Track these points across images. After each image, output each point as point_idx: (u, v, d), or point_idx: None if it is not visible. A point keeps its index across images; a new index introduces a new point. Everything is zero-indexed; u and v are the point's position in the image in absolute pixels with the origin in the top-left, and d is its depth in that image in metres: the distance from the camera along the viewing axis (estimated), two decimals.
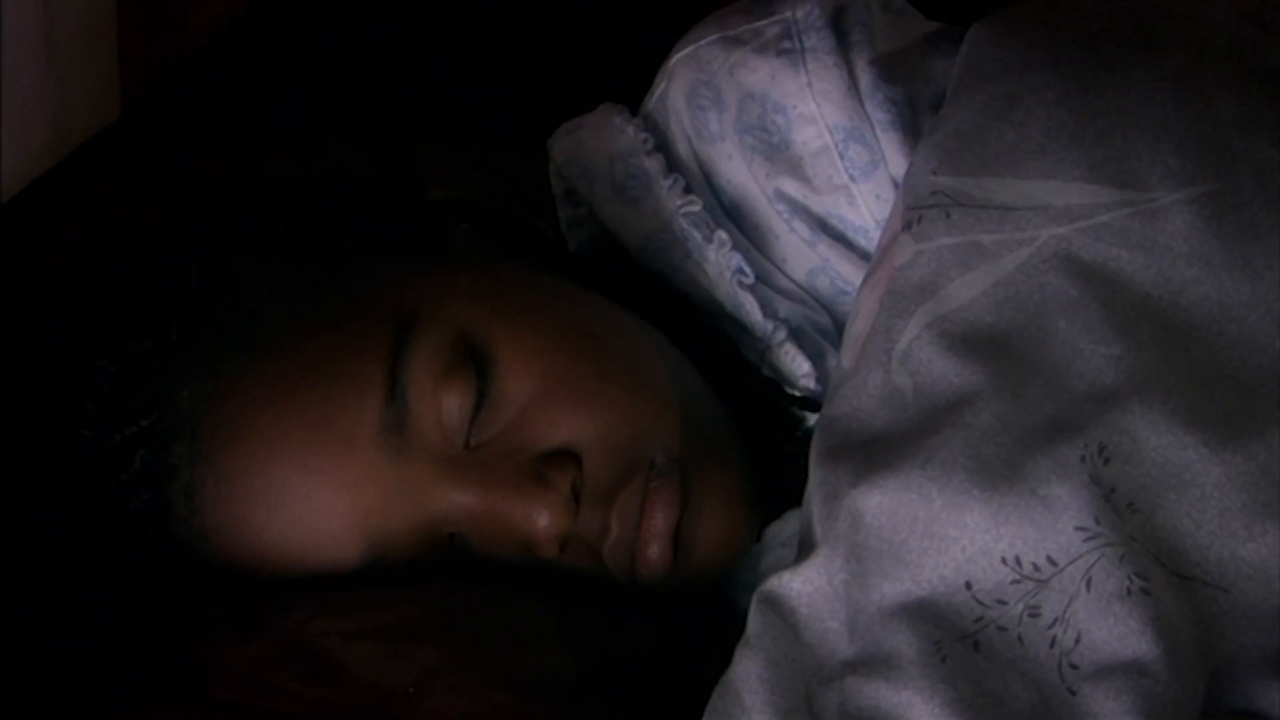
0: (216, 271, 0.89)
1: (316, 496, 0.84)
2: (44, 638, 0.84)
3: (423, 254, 0.92)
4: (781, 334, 0.94)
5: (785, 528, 0.90)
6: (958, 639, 0.73)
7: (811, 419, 0.95)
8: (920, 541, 0.75)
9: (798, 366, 0.94)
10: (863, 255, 0.94)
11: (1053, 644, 0.72)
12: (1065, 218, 0.80)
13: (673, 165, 0.98)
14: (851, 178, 0.93)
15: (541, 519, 0.85)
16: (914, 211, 0.84)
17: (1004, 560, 0.73)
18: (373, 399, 0.85)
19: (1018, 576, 0.73)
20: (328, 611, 0.83)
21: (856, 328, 0.85)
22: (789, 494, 0.90)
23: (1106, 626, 0.71)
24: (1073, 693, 0.71)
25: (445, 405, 0.86)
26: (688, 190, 0.97)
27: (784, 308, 0.96)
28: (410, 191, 1.00)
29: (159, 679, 0.82)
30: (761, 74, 0.94)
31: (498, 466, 0.86)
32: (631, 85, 1.03)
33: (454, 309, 0.88)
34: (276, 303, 0.87)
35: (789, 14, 0.95)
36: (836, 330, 0.97)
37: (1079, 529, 0.73)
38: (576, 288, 0.95)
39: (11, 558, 0.87)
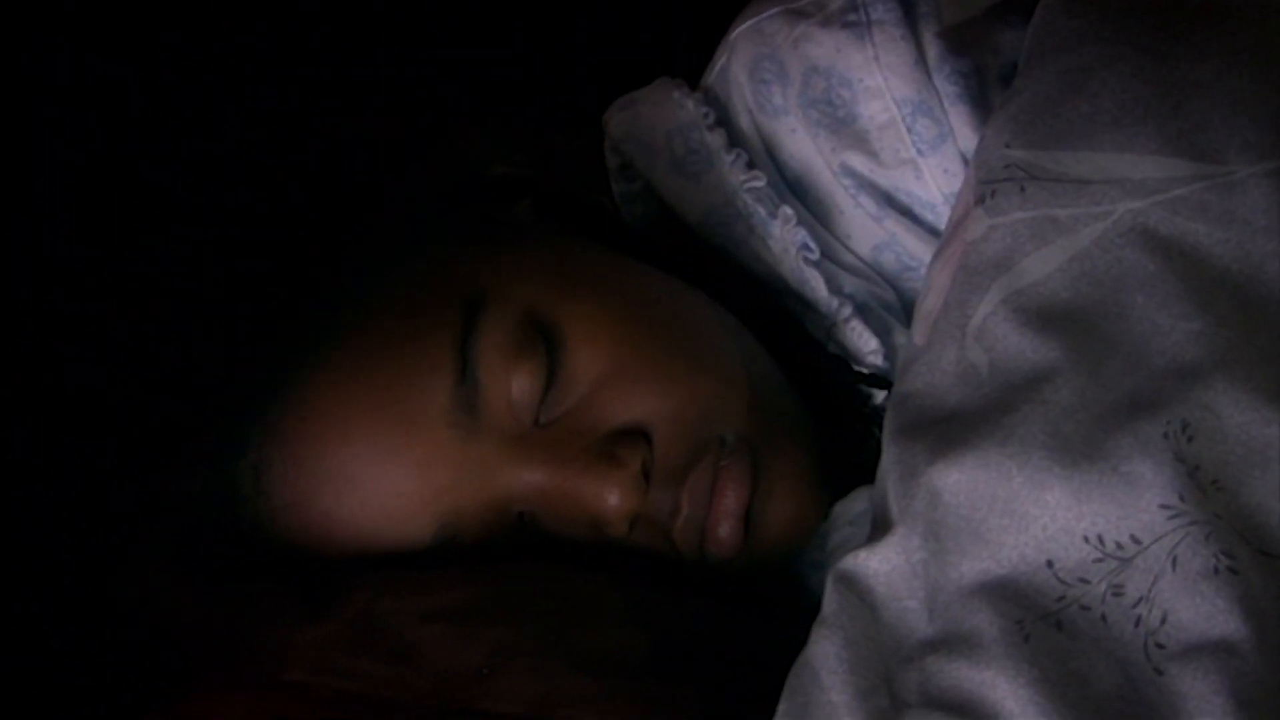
0: (287, 259, 0.88)
1: (387, 476, 0.84)
2: (111, 620, 0.84)
3: (488, 232, 0.92)
4: (847, 310, 0.94)
5: (853, 506, 0.89)
6: (1040, 618, 0.72)
7: (879, 396, 0.94)
8: (1000, 520, 0.74)
9: (865, 343, 0.93)
10: (929, 230, 0.94)
11: (1137, 623, 0.71)
12: (1141, 191, 0.79)
13: (734, 140, 0.97)
14: (919, 151, 0.92)
15: (612, 497, 0.84)
16: (987, 185, 0.83)
17: (1086, 539, 0.73)
18: (443, 379, 0.84)
19: (1100, 555, 0.72)
20: (398, 592, 0.83)
21: (928, 304, 0.84)
22: (856, 471, 0.89)
23: (1193, 605, 0.70)
24: (1159, 672, 0.70)
25: (515, 384, 0.85)
26: (750, 165, 0.96)
27: (849, 284, 0.95)
28: (471, 169, 0.99)
29: (229, 662, 0.81)
30: (826, 47, 0.93)
31: (568, 445, 0.85)
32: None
33: (521, 287, 0.87)
34: (345, 285, 0.87)
35: None
36: (902, 306, 0.96)
37: (1163, 506, 0.72)
38: (641, 264, 0.94)
39: (77, 536, 0.87)
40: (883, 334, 0.94)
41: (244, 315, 0.86)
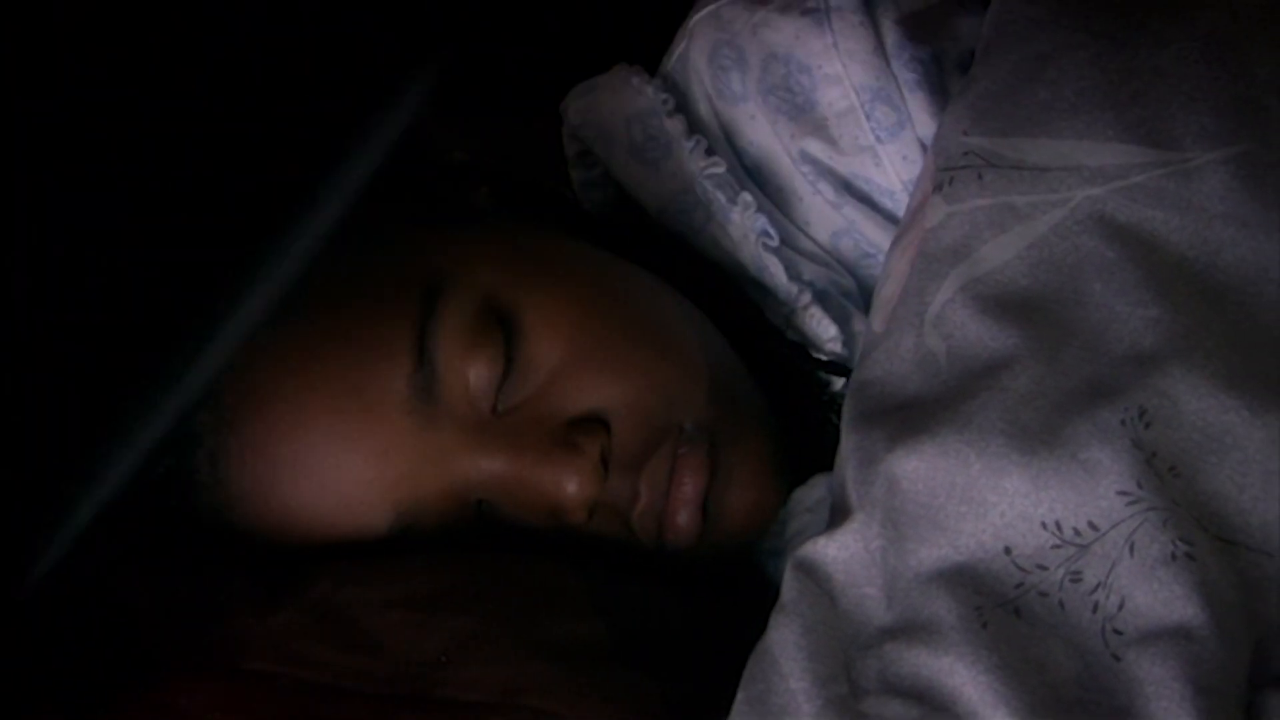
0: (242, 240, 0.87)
1: (345, 464, 0.83)
2: (70, 610, 0.83)
3: (446, 218, 0.91)
4: (807, 297, 0.94)
5: (811, 493, 0.89)
6: (998, 605, 0.72)
7: (838, 383, 0.94)
8: (958, 507, 0.74)
9: (824, 330, 0.93)
10: (888, 217, 0.94)
11: (1095, 609, 0.72)
12: (1099, 178, 0.79)
13: (693, 126, 0.97)
14: (878, 139, 0.92)
15: (570, 485, 0.84)
16: (945, 173, 0.83)
17: (1044, 525, 0.73)
18: (401, 366, 0.84)
19: (1058, 541, 0.73)
20: (358, 581, 0.82)
21: (887, 291, 0.84)
22: (815, 458, 0.89)
23: (1151, 591, 0.71)
24: (1117, 658, 0.70)
25: (473, 372, 0.85)
26: (710, 152, 0.96)
27: (808, 271, 0.95)
28: (430, 156, 0.99)
29: (189, 651, 0.81)
30: (786, 33, 0.93)
31: (526, 432, 0.85)
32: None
33: (480, 274, 0.86)
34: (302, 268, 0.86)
35: None
36: (861, 293, 0.96)
37: (1121, 493, 0.72)
38: (601, 251, 0.94)
39: (33, 526, 0.86)
40: (842, 321, 0.94)
41: (195, 298, 0.85)
